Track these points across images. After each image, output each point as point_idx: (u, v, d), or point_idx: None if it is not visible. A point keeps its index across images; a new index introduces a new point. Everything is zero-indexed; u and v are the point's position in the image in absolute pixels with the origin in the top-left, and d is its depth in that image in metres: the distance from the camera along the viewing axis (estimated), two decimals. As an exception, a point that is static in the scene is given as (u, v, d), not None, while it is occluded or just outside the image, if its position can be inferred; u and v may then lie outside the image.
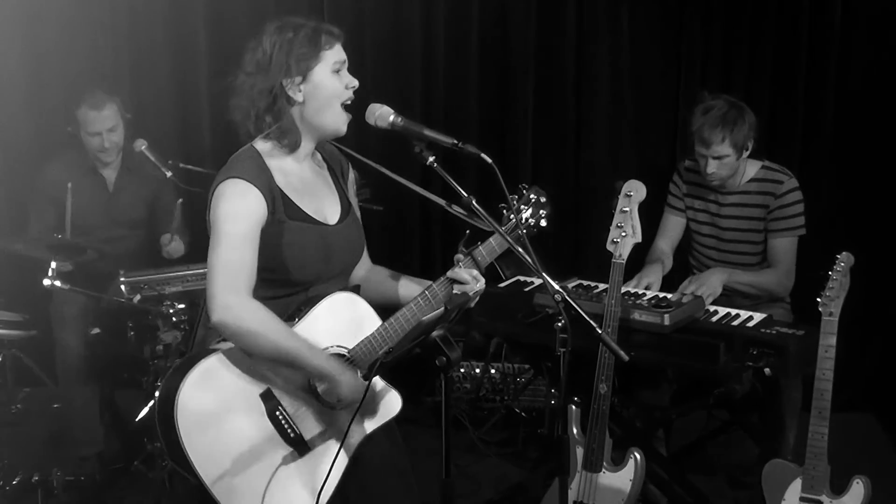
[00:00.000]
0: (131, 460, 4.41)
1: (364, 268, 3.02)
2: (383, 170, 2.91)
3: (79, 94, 4.71)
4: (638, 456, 3.52)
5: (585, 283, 4.09)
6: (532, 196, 2.94)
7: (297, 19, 2.72)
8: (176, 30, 5.42)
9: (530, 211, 2.93)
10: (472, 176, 4.87)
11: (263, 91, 2.67)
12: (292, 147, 2.73)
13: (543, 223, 2.93)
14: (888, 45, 5.10)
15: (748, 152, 4.11)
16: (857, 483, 3.30)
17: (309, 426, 2.66)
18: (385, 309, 2.83)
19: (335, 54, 2.69)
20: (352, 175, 2.99)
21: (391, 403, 2.81)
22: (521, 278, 4.30)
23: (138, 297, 4.38)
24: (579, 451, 3.60)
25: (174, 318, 4.19)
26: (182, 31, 5.42)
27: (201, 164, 4.90)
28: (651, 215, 4.26)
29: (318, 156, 2.89)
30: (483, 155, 2.53)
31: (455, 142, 2.58)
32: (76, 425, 4.53)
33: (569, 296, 2.50)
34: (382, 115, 2.67)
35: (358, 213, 2.96)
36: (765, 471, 3.49)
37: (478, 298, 2.78)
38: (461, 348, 2.41)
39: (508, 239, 2.65)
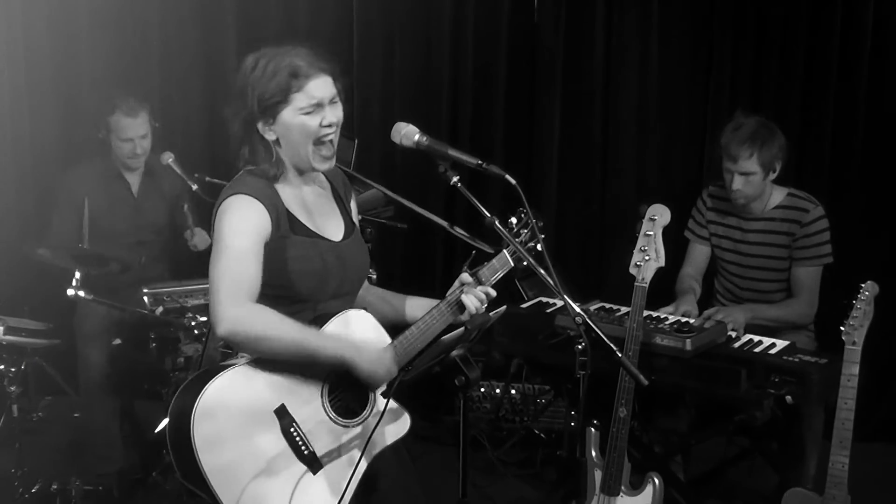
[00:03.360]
0: (149, 471, 4.41)
1: (363, 288, 3.01)
2: (386, 190, 2.91)
3: (110, 100, 4.74)
4: (656, 481, 3.50)
5: (608, 305, 4.08)
6: (531, 221, 2.91)
7: (274, 51, 2.69)
8: (207, 43, 5.46)
9: (528, 234, 2.90)
10: (497, 196, 4.88)
11: (240, 126, 2.74)
12: (275, 178, 2.73)
13: (539, 247, 2.86)
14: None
15: (775, 174, 4.08)
16: (878, 514, 3.28)
17: (322, 443, 2.64)
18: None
19: (306, 97, 2.65)
20: (353, 201, 2.99)
21: (401, 422, 2.80)
22: (544, 299, 4.29)
23: (161, 308, 4.40)
24: (597, 475, 3.58)
25: (196, 331, 4.20)
26: (213, 44, 5.46)
27: (228, 177, 4.88)
28: (675, 239, 4.25)
29: (321, 175, 2.89)
30: (507, 176, 2.52)
31: (479, 162, 2.57)
32: (97, 436, 4.55)
33: (590, 318, 2.49)
34: (408, 133, 2.66)
35: (362, 234, 2.95)
36: (784, 499, 3.46)
37: (497, 318, 2.74)
38: (481, 368, 2.40)
39: (530, 259, 2.62)
